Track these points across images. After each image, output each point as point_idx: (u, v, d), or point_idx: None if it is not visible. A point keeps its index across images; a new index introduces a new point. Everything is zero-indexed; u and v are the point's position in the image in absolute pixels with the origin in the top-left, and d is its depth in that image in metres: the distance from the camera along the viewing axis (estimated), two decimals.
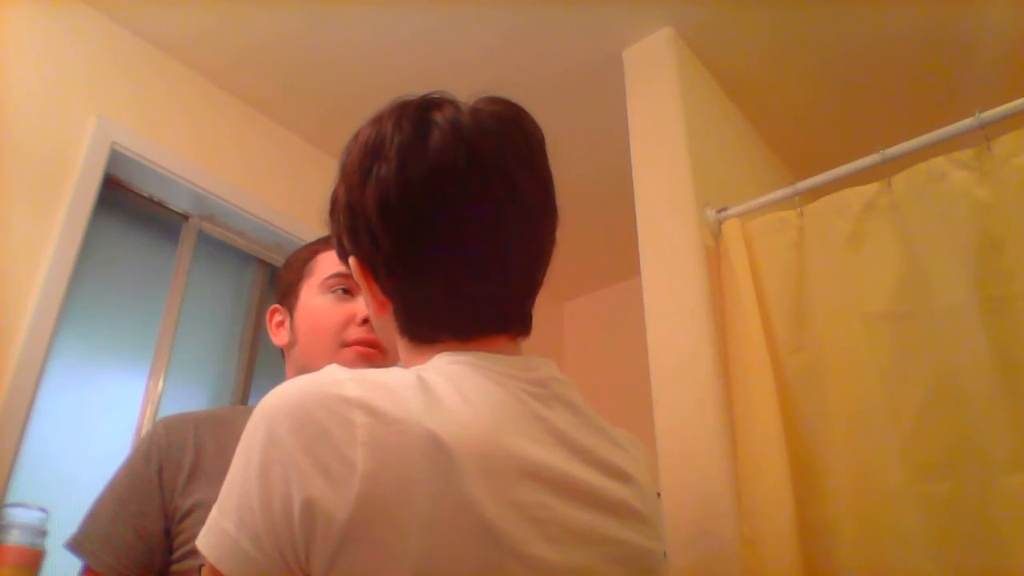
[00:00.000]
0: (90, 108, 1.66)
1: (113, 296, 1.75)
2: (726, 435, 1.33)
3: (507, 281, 0.66)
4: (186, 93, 1.90)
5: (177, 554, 0.90)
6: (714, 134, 1.80)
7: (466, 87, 0.70)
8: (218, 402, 1.90)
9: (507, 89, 0.70)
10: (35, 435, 1.47)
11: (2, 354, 1.39)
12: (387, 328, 0.69)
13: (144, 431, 1.68)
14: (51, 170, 1.56)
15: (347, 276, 0.98)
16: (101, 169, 1.64)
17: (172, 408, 1.72)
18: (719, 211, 1.57)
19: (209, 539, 0.51)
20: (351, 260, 0.69)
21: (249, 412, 0.55)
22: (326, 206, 0.71)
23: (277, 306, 1.10)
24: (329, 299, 1.03)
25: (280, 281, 1.13)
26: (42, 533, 1.25)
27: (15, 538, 1.23)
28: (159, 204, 1.87)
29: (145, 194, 1.84)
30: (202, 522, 0.53)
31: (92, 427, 1.62)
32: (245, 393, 1.94)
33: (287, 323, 1.08)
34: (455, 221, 0.63)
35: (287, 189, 2.05)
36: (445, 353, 0.63)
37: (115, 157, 1.68)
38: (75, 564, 0.90)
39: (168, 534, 0.91)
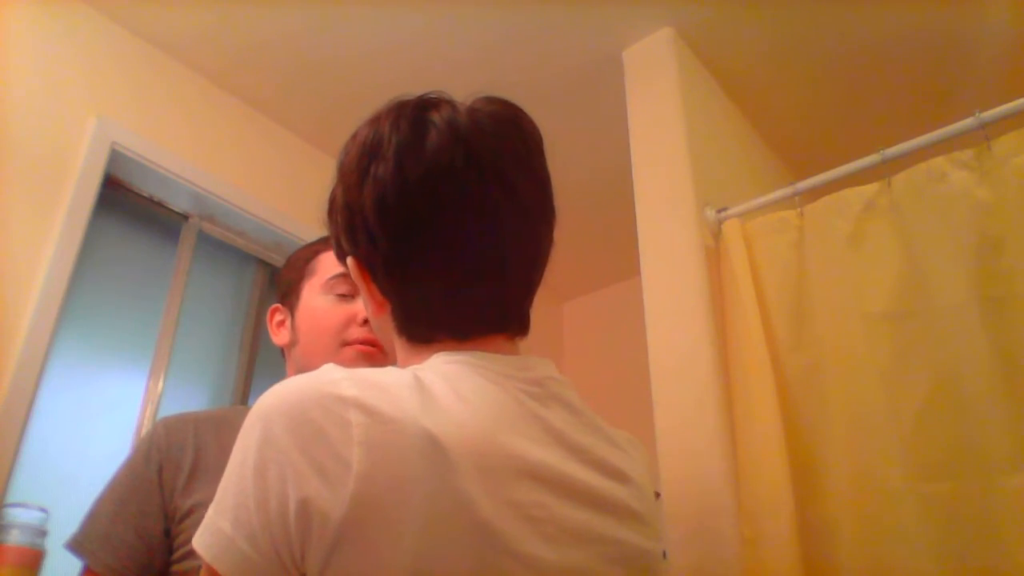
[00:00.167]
0: (90, 108, 1.66)
1: (113, 296, 1.75)
2: (726, 435, 1.33)
3: (505, 281, 0.66)
4: (186, 93, 1.90)
5: (177, 554, 0.90)
6: (714, 134, 1.80)
7: (466, 87, 0.70)
8: (218, 402, 1.90)
9: (507, 89, 0.70)
10: (35, 435, 1.47)
11: (2, 354, 1.39)
12: (385, 328, 0.69)
13: (144, 431, 1.68)
14: (51, 170, 1.56)
15: (349, 276, 0.98)
16: (101, 169, 1.64)
17: (172, 408, 1.72)
18: (719, 211, 1.57)
19: (205, 538, 0.51)
20: (349, 260, 0.69)
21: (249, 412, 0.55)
22: (324, 206, 0.71)
23: (278, 305, 1.11)
24: (330, 299, 1.03)
25: (281, 280, 1.13)
26: (42, 533, 1.25)
27: (15, 538, 1.23)
28: (159, 204, 1.87)
29: (145, 194, 1.84)
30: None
31: (92, 427, 1.62)
32: (245, 393, 1.94)
33: (288, 322, 1.08)
34: (452, 221, 0.63)
35: (287, 189, 2.05)
36: (442, 353, 0.63)
37: (115, 157, 1.68)
38: (75, 564, 0.90)
39: (168, 534, 0.91)
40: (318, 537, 0.48)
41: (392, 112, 0.66)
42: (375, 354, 0.99)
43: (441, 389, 0.56)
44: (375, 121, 0.67)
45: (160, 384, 1.75)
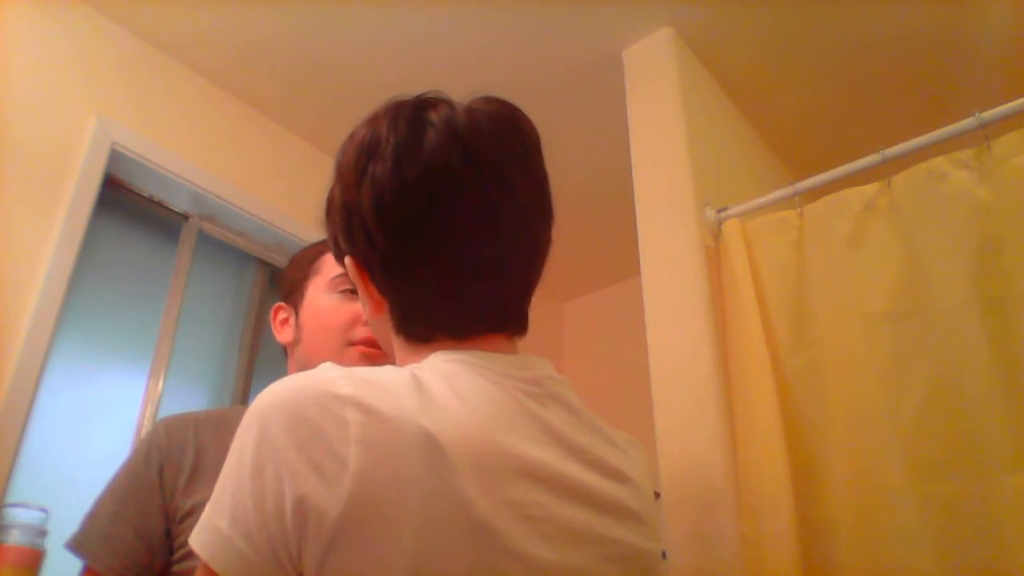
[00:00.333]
0: (90, 108, 1.66)
1: (113, 296, 1.75)
2: (726, 435, 1.33)
3: (503, 280, 0.66)
4: (186, 93, 1.90)
5: (178, 555, 0.90)
6: (714, 134, 1.80)
7: (466, 87, 0.70)
8: (218, 402, 1.90)
9: (507, 89, 0.70)
10: (35, 435, 1.47)
11: (2, 354, 1.39)
12: (383, 328, 0.69)
13: (144, 431, 1.67)
14: (51, 170, 1.56)
15: None
16: (101, 169, 1.64)
17: (172, 408, 1.72)
18: (719, 211, 1.57)
19: (203, 536, 0.51)
20: (347, 260, 0.69)
21: None
22: (323, 206, 0.71)
23: (282, 304, 1.11)
24: (336, 298, 1.04)
25: (285, 279, 1.13)
26: (42, 533, 1.25)
27: (15, 538, 1.23)
28: (159, 204, 1.87)
29: (145, 194, 1.84)
30: None
31: (92, 427, 1.62)
32: (245, 393, 1.94)
33: (291, 321, 1.08)
34: (450, 220, 0.63)
35: (287, 189, 2.05)
36: (440, 352, 0.63)
37: (115, 157, 1.68)
38: (75, 564, 0.90)
39: (169, 534, 0.91)
40: (314, 535, 0.48)
41: (390, 112, 0.66)
42: (379, 355, 0.99)
43: (439, 388, 0.56)
44: (373, 121, 0.67)
45: (160, 384, 1.75)
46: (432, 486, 0.50)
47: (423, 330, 0.66)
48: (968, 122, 1.25)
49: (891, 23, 1.76)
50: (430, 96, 0.67)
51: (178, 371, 1.81)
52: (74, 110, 1.64)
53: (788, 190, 1.49)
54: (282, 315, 1.10)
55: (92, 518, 0.92)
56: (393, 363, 0.69)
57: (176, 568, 0.89)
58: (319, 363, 0.59)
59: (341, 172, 0.68)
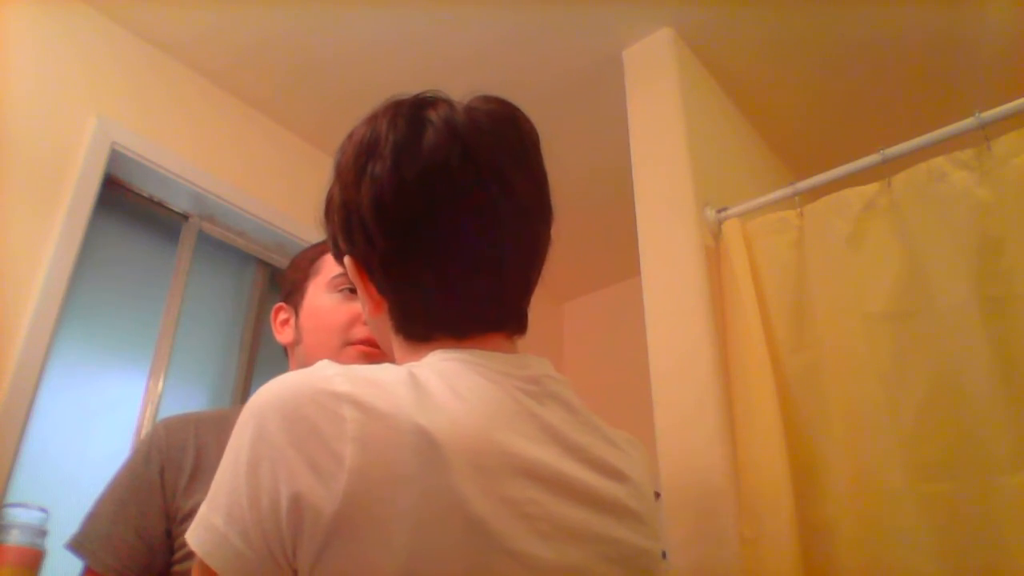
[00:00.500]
0: (90, 108, 1.66)
1: (113, 296, 1.75)
2: (726, 435, 1.33)
3: (502, 279, 0.66)
4: (186, 93, 1.90)
5: (178, 555, 0.90)
6: (714, 134, 1.80)
7: (466, 87, 0.70)
8: (218, 402, 1.90)
9: (507, 89, 0.70)
10: (35, 435, 1.47)
11: (2, 354, 1.39)
12: (382, 327, 0.69)
13: (144, 431, 1.68)
14: (51, 170, 1.56)
15: None
16: (101, 169, 1.64)
17: (172, 408, 1.72)
18: (719, 211, 1.57)
19: (198, 534, 0.51)
20: (346, 260, 0.68)
21: None
22: (322, 206, 0.71)
23: (282, 304, 1.11)
24: (335, 298, 1.04)
25: (286, 279, 1.14)
26: (42, 533, 1.25)
27: (15, 538, 1.23)
28: (159, 204, 1.87)
29: (145, 194, 1.84)
30: None
31: (92, 427, 1.62)
32: (245, 393, 1.94)
33: (292, 321, 1.08)
34: (450, 219, 0.63)
35: (287, 189, 2.05)
36: (439, 351, 0.63)
37: (115, 157, 1.68)
38: (75, 564, 0.90)
39: (169, 535, 0.91)
40: (310, 533, 0.48)
41: (389, 111, 0.66)
42: (378, 355, 0.99)
43: (437, 386, 0.56)
44: (372, 120, 0.67)
45: (160, 384, 1.75)
46: (428, 484, 0.50)
47: (422, 329, 0.66)
48: (968, 122, 1.25)
49: (891, 23, 1.76)
50: (429, 95, 0.67)
51: (178, 371, 1.81)
52: (74, 110, 1.64)
53: (788, 190, 1.49)
54: (282, 316, 1.10)
55: (92, 518, 0.92)
56: (392, 362, 0.69)
57: (176, 568, 0.89)
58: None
59: (340, 171, 0.68)
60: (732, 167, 1.84)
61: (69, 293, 1.52)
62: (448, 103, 0.66)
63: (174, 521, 0.91)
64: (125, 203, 1.82)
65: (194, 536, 0.51)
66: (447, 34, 1.80)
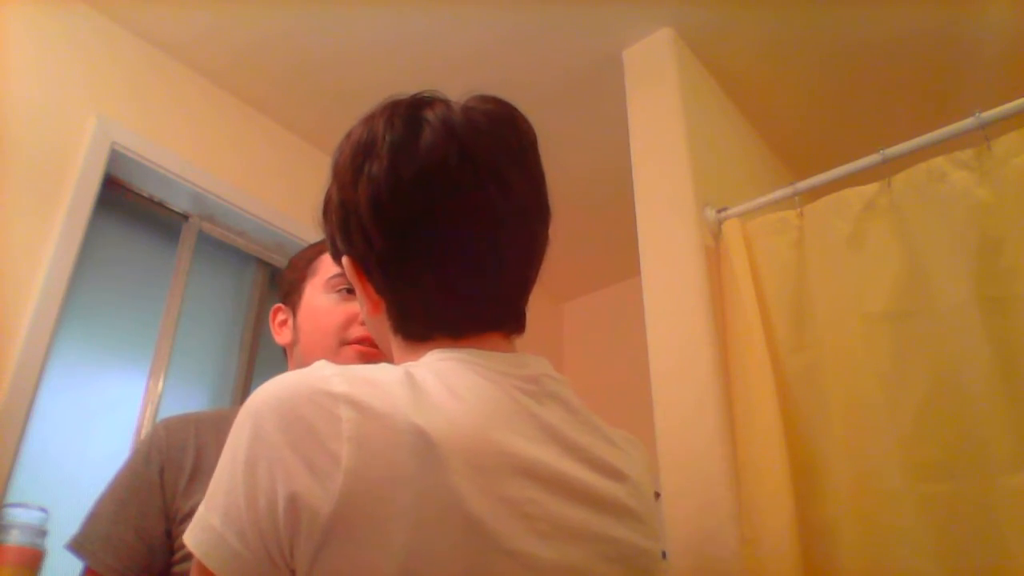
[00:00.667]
0: (90, 108, 1.66)
1: (113, 296, 1.75)
2: (726, 435, 1.33)
3: (500, 279, 0.66)
4: (186, 93, 1.90)
5: (178, 555, 0.90)
6: (714, 134, 1.80)
7: (465, 87, 0.70)
8: (218, 402, 1.90)
9: (507, 89, 0.70)
10: (35, 435, 1.47)
11: (2, 354, 1.39)
12: (380, 328, 0.69)
13: (144, 431, 1.68)
14: (51, 170, 1.56)
15: None
16: (101, 169, 1.64)
17: (172, 408, 1.72)
18: (719, 211, 1.57)
19: (196, 534, 0.51)
20: (344, 260, 0.68)
21: None
22: (320, 206, 0.71)
23: (280, 305, 1.11)
24: (332, 298, 1.04)
25: (284, 280, 1.14)
26: (42, 533, 1.25)
27: (15, 538, 1.23)
28: (159, 204, 1.87)
29: (145, 194, 1.84)
30: None
31: (92, 427, 1.62)
32: (245, 393, 1.94)
33: (290, 322, 1.08)
34: (447, 219, 0.63)
35: (287, 189, 2.05)
36: (437, 350, 0.63)
37: (115, 157, 1.69)
38: (75, 564, 0.90)
39: (169, 535, 0.91)
40: (307, 533, 0.48)
41: (386, 111, 0.66)
42: (376, 354, 0.99)
43: (434, 385, 0.56)
44: (369, 120, 0.67)
45: (160, 384, 1.75)
46: (425, 484, 0.50)
47: (420, 329, 0.66)
48: (968, 122, 1.25)
49: (891, 23, 1.76)
50: (426, 95, 0.67)
51: (178, 371, 1.81)
52: (74, 110, 1.64)
53: (788, 190, 1.49)
54: (281, 316, 1.10)
55: (93, 519, 0.92)
56: (390, 362, 0.69)
57: (176, 569, 0.89)
58: None
59: (338, 171, 0.67)
60: (732, 167, 1.84)
61: (69, 293, 1.52)
62: (445, 103, 0.66)
63: (174, 521, 0.91)
64: (125, 203, 1.82)
65: (192, 536, 0.51)
66: (446, 34, 1.80)
